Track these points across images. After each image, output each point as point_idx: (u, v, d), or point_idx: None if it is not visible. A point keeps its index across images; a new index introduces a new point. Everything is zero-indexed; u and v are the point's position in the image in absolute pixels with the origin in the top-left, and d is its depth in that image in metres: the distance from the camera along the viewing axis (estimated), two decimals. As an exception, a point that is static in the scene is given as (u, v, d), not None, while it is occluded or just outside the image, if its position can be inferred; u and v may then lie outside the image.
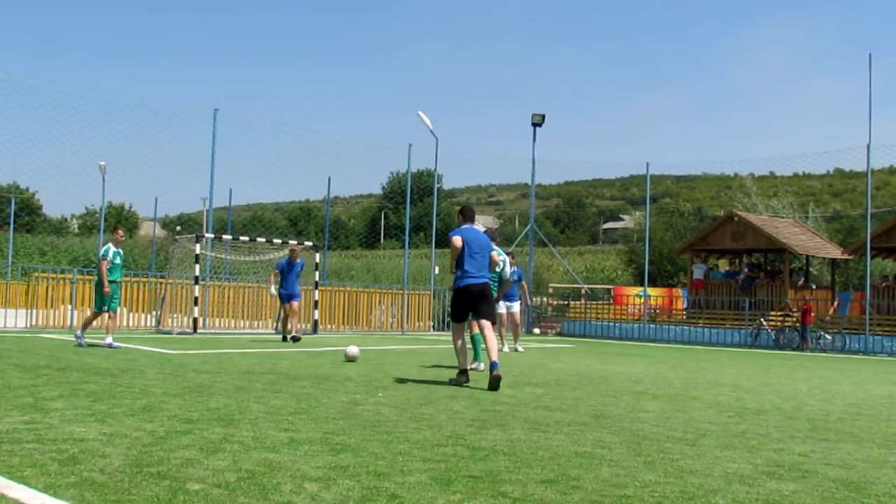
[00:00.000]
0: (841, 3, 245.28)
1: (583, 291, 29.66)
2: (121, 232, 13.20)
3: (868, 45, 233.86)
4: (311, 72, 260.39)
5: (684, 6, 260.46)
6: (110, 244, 12.80)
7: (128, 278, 19.79)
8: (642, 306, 26.09)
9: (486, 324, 8.53)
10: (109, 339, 12.39)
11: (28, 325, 17.73)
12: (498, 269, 11.80)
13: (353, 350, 11.24)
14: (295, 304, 15.86)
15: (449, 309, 10.28)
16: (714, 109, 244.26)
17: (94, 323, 13.28)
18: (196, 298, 17.70)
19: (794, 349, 21.12)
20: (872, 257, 23.96)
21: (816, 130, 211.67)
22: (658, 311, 27.19)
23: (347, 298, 23.14)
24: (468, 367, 8.71)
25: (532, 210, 30.05)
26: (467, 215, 8.77)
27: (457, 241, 8.37)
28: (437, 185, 29.88)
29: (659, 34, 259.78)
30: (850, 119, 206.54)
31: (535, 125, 27.73)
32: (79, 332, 12.54)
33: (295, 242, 21.45)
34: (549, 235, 48.55)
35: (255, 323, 21.25)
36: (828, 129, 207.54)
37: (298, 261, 16.09)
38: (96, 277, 12.86)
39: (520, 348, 15.24)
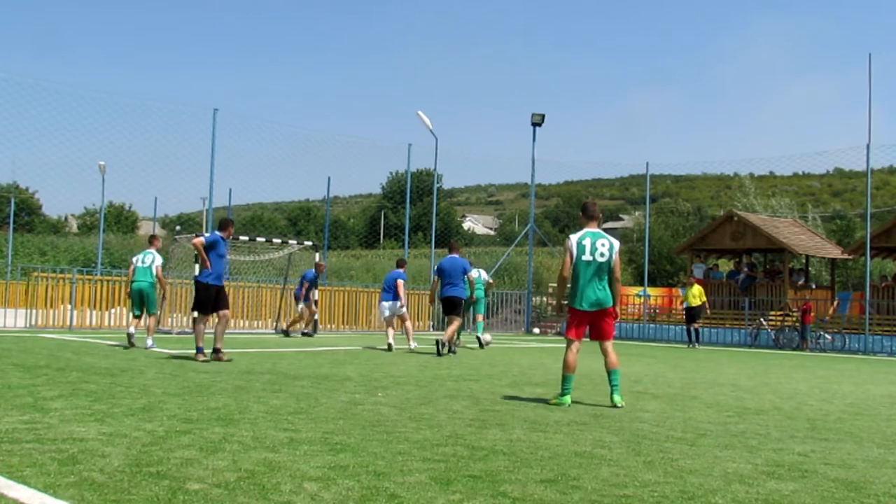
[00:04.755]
0: (831, 3, 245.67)
1: (582, 291, 29.62)
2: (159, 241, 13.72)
3: (859, 45, 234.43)
4: (311, 72, 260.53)
5: (677, 6, 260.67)
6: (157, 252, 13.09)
7: (127, 278, 19.78)
8: (642, 306, 26.09)
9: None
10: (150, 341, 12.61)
11: (28, 325, 17.72)
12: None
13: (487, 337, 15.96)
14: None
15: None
16: (710, 109, 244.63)
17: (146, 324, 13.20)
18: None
19: (793, 349, 21.12)
20: (872, 257, 23.96)
21: (811, 130, 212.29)
22: (658, 310, 27.19)
23: (347, 298, 23.13)
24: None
25: (532, 210, 30.05)
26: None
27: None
28: (436, 185, 29.88)
29: (656, 34, 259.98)
30: (844, 119, 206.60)
31: (534, 125, 27.72)
32: (149, 342, 12.56)
33: (295, 243, 21.48)
34: (548, 235, 48.56)
35: (255, 323, 21.25)
36: (822, 129, 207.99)
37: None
38: (152, 280, 12.84)
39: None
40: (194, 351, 10.57)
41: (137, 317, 13.07)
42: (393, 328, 15.33)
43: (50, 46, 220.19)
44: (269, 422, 5.46)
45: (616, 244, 7.40)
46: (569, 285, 7.36)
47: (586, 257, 7.20)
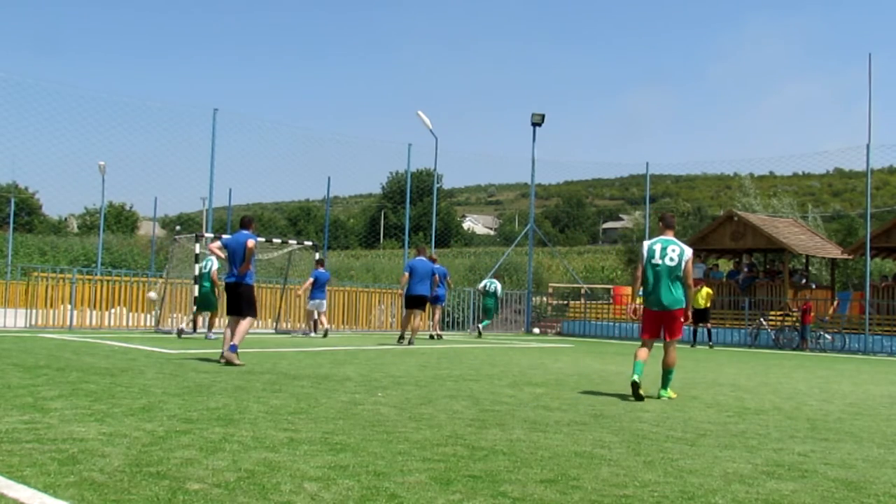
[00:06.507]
0: (830, 3, 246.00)
1: (582, 291, 29.65)
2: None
3: (858, 45, 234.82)
4: (312, 72, 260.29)
5: (677, 6, 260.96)
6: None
7: (127, 278, 19.80)
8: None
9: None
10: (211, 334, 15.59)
11: (28, 325, 17.72)
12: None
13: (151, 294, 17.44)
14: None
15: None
16: (710, 109, 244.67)
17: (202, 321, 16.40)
18: (196, 298, 17.68)
19: (793, 349, 21.12)
20: (872, 257, 23.96)
21: (811, 130, 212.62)
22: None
23: (347, 298, 23.13)
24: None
25: (532, 210, 30.04)
26: None
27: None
28: (436, 185, 29.89)
29: (655, 34, 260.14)
30: (844, 119, 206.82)
31: (534, 125, 27.71)
32: (210, 334, 15.55)
33: (295, 243, 21.47)
34: (548, 235, 48.52)
35: (255, 323, 21.22)
36: (822, 129, 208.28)
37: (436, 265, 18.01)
38: (208, 285, 15.91)
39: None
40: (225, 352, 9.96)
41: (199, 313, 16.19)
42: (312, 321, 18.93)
43: (50, 46, 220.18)
44: (269, 422, 5.46)
45: (687, 251, 7.95)
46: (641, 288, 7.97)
47: (655, 261, 7.81)
